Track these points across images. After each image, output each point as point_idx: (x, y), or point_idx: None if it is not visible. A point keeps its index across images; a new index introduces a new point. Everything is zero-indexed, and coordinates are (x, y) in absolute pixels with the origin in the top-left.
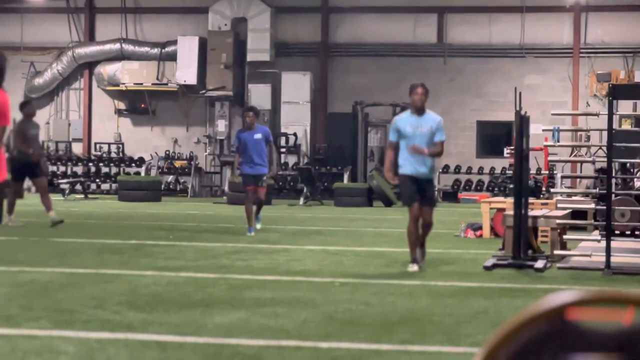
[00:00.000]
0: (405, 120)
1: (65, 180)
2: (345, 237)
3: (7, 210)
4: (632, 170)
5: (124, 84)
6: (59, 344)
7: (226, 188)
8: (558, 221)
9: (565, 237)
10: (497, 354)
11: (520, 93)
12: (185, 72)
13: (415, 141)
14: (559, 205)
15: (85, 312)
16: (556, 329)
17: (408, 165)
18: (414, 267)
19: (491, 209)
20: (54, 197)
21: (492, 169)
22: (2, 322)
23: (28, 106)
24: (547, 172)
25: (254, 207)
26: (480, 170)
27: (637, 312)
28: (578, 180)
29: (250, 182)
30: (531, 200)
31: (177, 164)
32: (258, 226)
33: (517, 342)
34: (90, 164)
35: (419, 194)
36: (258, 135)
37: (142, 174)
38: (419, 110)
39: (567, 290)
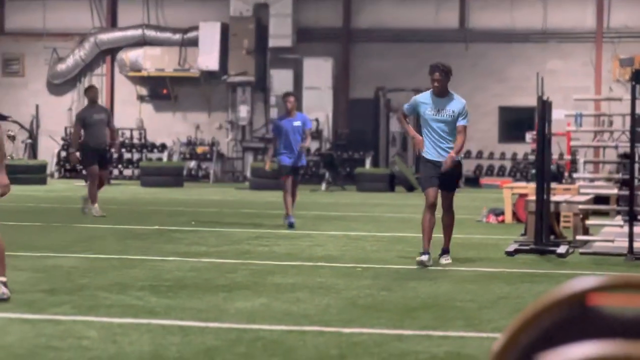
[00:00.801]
0: (426, 103)
1: None
2: (367, 223)
3: (89, 199)
4: None
5: (146, 69)
6: (82, 329)
7: (248, 174)
8: (580, 206)
9: (587, 222)
10: (519, 339)
11: (542, 78)
12: (207, 57)
13: (435, 127)
14: (581, 190)
15: (108, 298)
16: (577, 314)
17: (433, 151)
18: (422, 257)
19: (513, 194)
20: (77, 183)
21: (514, 154)
22: (26, 307)
23: (89, 91)
24: (569, 157)
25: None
26: (502, 156)
27: None
28: (601, 165)
29: (287, 172)
30: (553, 185)
31: (199, 149)
32: (290, 220)
33: (538, 328)
34: (113, 149)
35: (441, 179)
36: (298, 122)
37: (164, 159)
38: (441, 93)
39: (588, 276)
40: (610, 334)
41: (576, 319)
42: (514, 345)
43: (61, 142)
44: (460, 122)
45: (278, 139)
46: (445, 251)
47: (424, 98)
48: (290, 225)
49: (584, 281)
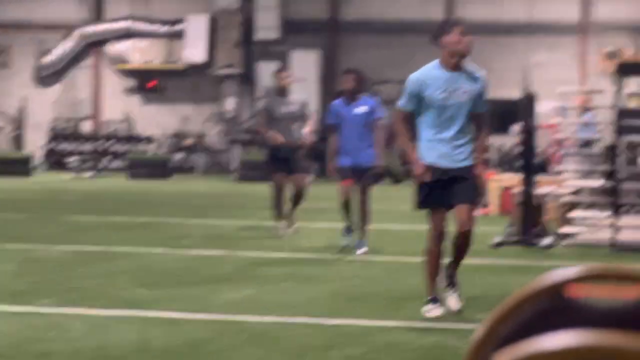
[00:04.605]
0: (434, 80)
1: (74, 158)
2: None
3: (274, 214)
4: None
5: (133, 62)
6: (67, 320)
7: (235, 165)
8: (565, 198)
9: (572, 214)
10: (497, 330)
11: (527, 70)
12: (194, 50)
13: (448, 113)
14: (566, 182)
15: (94, 289)
16: (556, 305)
17: (433, 153)
18: (434, 311)
19: (499, 186)
20: (63, 175)
21: (501, 146)
22: (12, 299)
23: (277, 75)
24: (555, 149)
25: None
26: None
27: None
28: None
29: (348, 175)
30: (539, 177)
31: (186, 141)
32: (360, 251)
33: (517, 319)
34: (100, 142)
35: (450, 189)
36: (362, 109)
37: (152, 151)
38: (457, 64)
39: (567, 267)
40: (588, 324)
41: (555, 309)
42: (492, 336)
43: (48, 134)
44: (482, 108)
45: (338, 132)
46: (434, 299)
47: (430, 73)
48: (348, 235)
49: (563, 272)
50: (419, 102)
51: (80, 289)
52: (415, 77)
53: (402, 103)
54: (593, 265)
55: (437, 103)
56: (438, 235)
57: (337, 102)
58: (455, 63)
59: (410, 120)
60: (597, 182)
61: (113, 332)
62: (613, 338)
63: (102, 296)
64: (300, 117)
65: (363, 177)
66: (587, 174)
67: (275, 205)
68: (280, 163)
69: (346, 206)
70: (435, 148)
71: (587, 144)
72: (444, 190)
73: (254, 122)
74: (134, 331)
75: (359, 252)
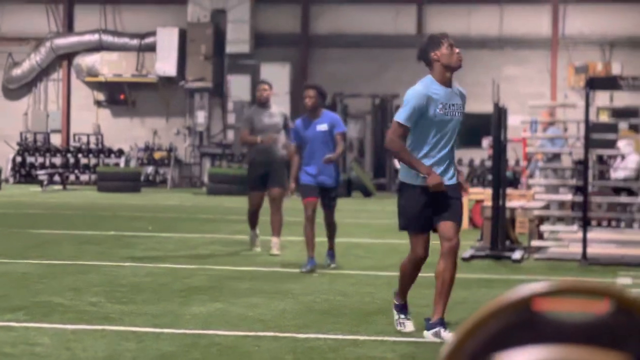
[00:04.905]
0: (437, 95)
1: (43, 172)
2: (323, 228)
3: (250, 227)
4: (608, 161)
5: (103, 75)
6: (35, 335)
7: (206, 179)
8: (536, 212)
9: (542, 228)
10: (466, 344)
11: (498, 85)
12: (165, 63)
13: (445, 130)
14: (536, 196)
15: (62, 304)
16: (523, 319)
17: (414, 180)
18: (407, 326)
19: (470, 200)
20: (32, 189)
21: (471, 160)
22: None
23: (258, 87)
24: (525, 163)
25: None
26: (459, 162)
27: (609, 302)
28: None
29: (311, 194)
30: (509, 191)
31: (157, 155)
32: (333, 264)
33: (485, 333)
34: (69, 155)
35: (435, 207)
36: (323, 126)
37: (122, 165)
38: (450, 79)
39: (535, 281)
40: (555, 338)
41: (523, 324)
42: (461, 350)
43: (16, 147)
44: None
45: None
46: (438, 324)
47: (429, 88)
48: (310, 265)
49: (530, 287)
50: (420, 117)
51: (48, 303)
52: (420, 91)
53: (402, 117)
54: (561, 279)
55: (438, 119)
56: (420, 260)
57: (298, 121)
58: (449, 78)
59: (405, 136)
60: (567, 196)
61: (81, 347)
62: (580, 353)
63: (71, 310)
64: (282, 129)
65: (326, 196)
66: (557, 188)
67: (250, 219)
68: (258, 181)
69: (310, 229)
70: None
71: (555, 157)
72: (429, 209)
73: (237, 134)
74: (102, 346)
75: (331, 263)
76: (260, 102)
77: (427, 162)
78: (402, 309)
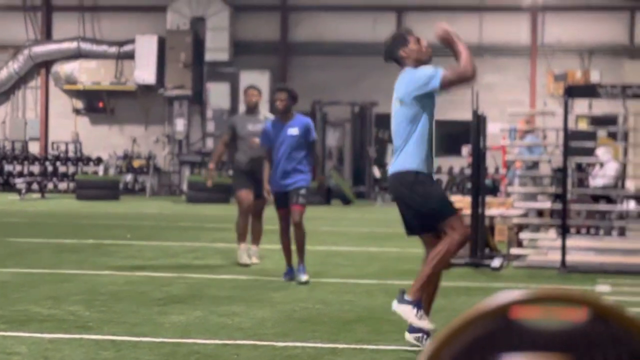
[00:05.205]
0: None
1: (21, 180)
2: None
3: (237, 239)
4: (587, 169)
5: (81, 83)
6: (12, 344)
7: (185, 187)
8: (515, 220)
9: (521, 235)
10: (442, 353)
11: (477, 92)
12: (144, 71)
13: (432, 125)
14: (515, 204)
15: (40, 312)
16: (500, 327)
17: (426, 168)
18: (424, 323)
19: None
20: (10, 197)
21: (451, 168)
22: None
23: (246, 92)
24: (504, 171)
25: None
26: (439, 170)
27: (586, 311)
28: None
29: (283, 204)
30: (488, 199)
31: (136, 163)
32: (303, 278)
33: (462, 341)
34: (47, 163)
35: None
36: (294, 130)
37: (101, 173)
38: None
39: (513, 289)
40: (533, 346)
41: (499, 332)
42: (437, 358)
43: None
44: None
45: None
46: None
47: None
48: (289, 275)
49: (508, 294)
50: (430, 104)
51: (26, 312)
52: (428, 69)
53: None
54: (539, 287)
55: (432, 112)
56: (469, 235)
57: (269, 124)
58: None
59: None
60: (546, 204)
61: (58, 356)
62: None
63: (49, 319)
64: None
65: (295, 193)
66: (535, 196)
67: (239, 229)
68: (247, 180)
69: (285, 239)
70: (426, 162)
71: (534, 165)
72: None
73: (217, 141)
74: (80, 355)
75: (302, 277)
76: (249, 108)
77: (427, 157)
78: (420, 303)
